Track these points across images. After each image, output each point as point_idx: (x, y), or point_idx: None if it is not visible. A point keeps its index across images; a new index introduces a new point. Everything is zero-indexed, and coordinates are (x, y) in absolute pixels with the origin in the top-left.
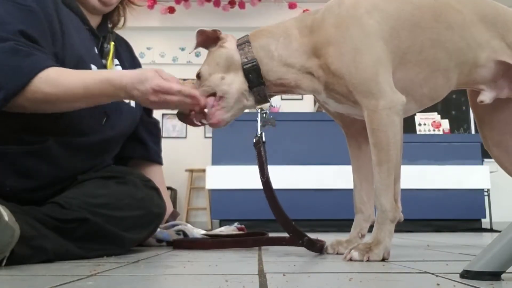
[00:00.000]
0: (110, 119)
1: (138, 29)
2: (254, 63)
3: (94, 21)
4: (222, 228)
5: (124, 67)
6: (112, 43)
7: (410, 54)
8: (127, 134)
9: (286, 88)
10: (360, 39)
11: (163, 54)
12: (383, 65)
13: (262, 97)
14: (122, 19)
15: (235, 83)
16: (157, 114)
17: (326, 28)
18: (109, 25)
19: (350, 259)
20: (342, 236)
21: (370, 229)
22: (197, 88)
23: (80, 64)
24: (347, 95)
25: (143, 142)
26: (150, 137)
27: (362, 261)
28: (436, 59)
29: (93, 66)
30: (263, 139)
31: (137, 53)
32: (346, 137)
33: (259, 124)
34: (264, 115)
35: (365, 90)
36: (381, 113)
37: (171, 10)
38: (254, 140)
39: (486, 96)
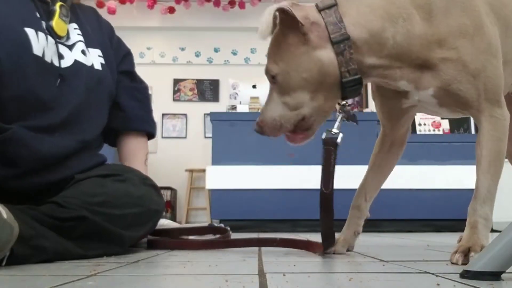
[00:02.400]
0: (65, 79)
1: (138, 29)
2: (358, 80)
3: None
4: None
5: (86, 31)
6: (59, 3)
7: (510, 55)
8: (97, 100)
9: (387, 81)
10: (495, 40)
11: (163, 54)
12: (504, 72)
13: (355, 95)
14: None
15: (328, 103)
16: (157, 114)
17: (454, 17)
18: None
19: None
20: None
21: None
22: (272, 96)
23: (8, 30)
24: (472, 97)
25: (122, 109)
26: (133, 103)
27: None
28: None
29: (28, 29)
30: (339, 139)
31: (137, 53)
32: (381, 137)
33: (338, 120)
34: (344, 108)
35: (494, 97)
36: (504, 122)
37: (171, 10)
38: (324, 137)
39: None
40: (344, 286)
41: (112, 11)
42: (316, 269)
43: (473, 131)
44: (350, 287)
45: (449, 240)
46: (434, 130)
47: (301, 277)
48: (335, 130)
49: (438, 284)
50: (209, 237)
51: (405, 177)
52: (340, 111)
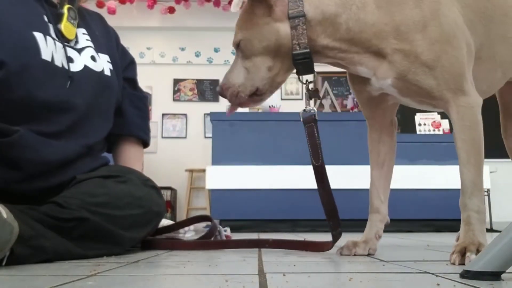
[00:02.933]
0: (75, 82)
1: (138, 29)
2: (307, 54)
3: None
4: (191, 227)
5: (94, 37)
6: (67, 6)
7: (483, 51)
8: (104, 106)
9: (340, 64)
10: (451, 29)
11: (163, 54)
12: (469, 61)
13: (306, 69)
14: None
15: (281, 76)
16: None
17: (410, 7)
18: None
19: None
20: (345, 236)
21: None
22: (237, 61)
23: (17, 34)
24: (431, 88)
25: (123, 115)
26: (133, 110)
27: None
28: (501, 56)
29: (36, 34)
30: (316, 116)
31: (137, 53)
32: (369, 129)
33: (305, 99)
34: (309, 87)
35: (456, 86)
36: (472, 110)
37: (171, 10)
38: (303, 118)
39: None
40: (344, 286)
41: (112, 11)
42: (316, 269)
43: None
44: (350, 287)
45: (449, 240)
46: (434, 130)
47: (301, 277)
48: (309, 108)
49: (438, 284)
50: (199, 227)
51: (405, 177)
52: (306, 91)
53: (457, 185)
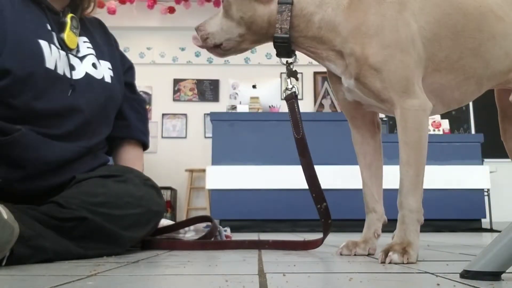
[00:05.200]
0: (77, 90)
1: (138, 29)
2: (286, 39)
3: (59, 4)
4: (191, 227)
5: (96, 44)
6: (70, 15)
7: (447, 62)
8: (105, 112)
9: (315, 57)
10: (405, 38)
11: (163, 54)
12: (418, 69)
13: (285, 53)
14: (92, 4)
15: (246, 44)
16: (157, 114)
17: (372, 12)
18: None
19: (390, 262)
20: (343, 236)
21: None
22: (218, 13)
23: (24, 42)
24: (379, 91)
25: (125, 118)
26: (133, 114)
27: (403, 263)
28: (472, 68)
29: (42, 42)
30: (296, 92)
31: (137, 53)
32: (352, 131)
33: (286, 77)
34: (290, 66)
35: (402, 89)
36: (416, 112)
37: (171, 10)
38: (285, 95)
39: None
40: (344, 286)
41: (112, 11)
42: (316, 269)
43: (473, 131)
44: (350, 287)
45: (449, 240)
46: (434, 130)
47: (301, 277)
48: (289, 86)
49: (438, 284)
50: (199, 227)
51: None
52: (286, 71)
53: (457, 185)
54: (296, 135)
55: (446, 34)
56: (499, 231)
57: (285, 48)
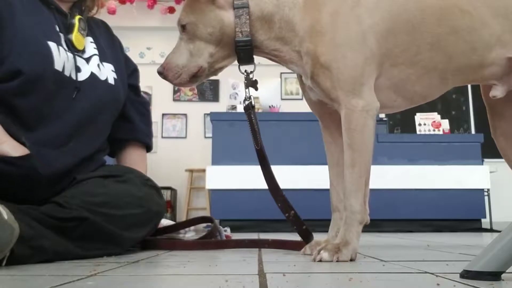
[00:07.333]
0: (81, 91)
1: (138, 29)
2: (248, 42)
3: (65, 6)
4: (192, 227)
5: (99, 46)
6: (78, 17)
7: (404, 58)
8: (109, 113)
9: (279, 60)
10: (356, 36)
11: (163, 54)
12: (370, 66)
13: (247, 58)
14: (95, 7)
15: (221, 62)
16: (157, 114)
17: (327, 11)
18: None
19: (320, 260)
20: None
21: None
22: (180, 43)
23: (33, 43)
24: (328, 90)
25: (130, 120)
26: (138, 116)
27: (332, 261)
28: (432, 62)
29: (51, 43)
30: (253, 103)
31: (137, 53)
32: (322, 130)
33: (244, 88)
34: (249, 76)
35: (348, 88)
36: (359, 114)
37: (171, 10)
38: (244, 105)
39: (498, 91)
40: (344, 286)
41: (112, 11)
42: (316, 269)
43: (473, 131)
44: (350, 287)
45: (449, 240)
46: (434, 130)
47: (301, 277)
48: (247, 96)
49: (438, 284)
50: (199, 227)
51: (405, 177)
52: (245, 80)
53: (457, 185)
54: (256, 146)
55: (401, 29)
56: (499, 231)
57: (247, 53)
